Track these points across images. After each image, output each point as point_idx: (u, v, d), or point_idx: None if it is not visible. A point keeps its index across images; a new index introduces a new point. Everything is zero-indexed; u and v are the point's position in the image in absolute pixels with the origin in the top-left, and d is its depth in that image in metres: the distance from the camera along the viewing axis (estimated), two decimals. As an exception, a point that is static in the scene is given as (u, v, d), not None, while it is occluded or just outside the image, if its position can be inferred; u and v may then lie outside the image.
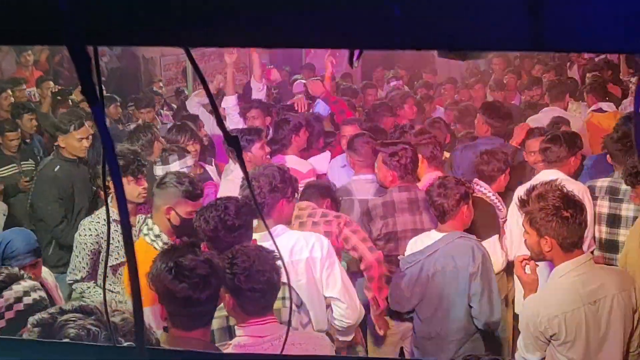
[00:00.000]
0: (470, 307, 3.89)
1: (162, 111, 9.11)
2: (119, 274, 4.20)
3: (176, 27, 0.69)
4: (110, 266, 4.16)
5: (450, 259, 3.89)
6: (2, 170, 6.32)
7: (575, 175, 5.03)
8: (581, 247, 3.17)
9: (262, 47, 0.73)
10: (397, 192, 4.43)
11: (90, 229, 4.24)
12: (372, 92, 9.23)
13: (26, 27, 0.66)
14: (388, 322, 4.30)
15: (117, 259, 4.18)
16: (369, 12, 0.70)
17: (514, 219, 4.44)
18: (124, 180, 4.12)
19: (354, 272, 4.25)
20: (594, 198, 4.54)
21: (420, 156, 4.76)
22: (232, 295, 2.73)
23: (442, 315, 3.96)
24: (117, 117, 8.28)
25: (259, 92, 7.76)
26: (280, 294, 2.90)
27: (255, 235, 3.42)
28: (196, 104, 7.13)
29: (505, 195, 4.91)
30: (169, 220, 3.68)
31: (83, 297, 4.19)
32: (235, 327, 2.85)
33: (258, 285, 2.69)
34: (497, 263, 4.36)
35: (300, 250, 3.53)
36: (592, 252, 4.34)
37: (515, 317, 4.14)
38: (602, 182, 4.62)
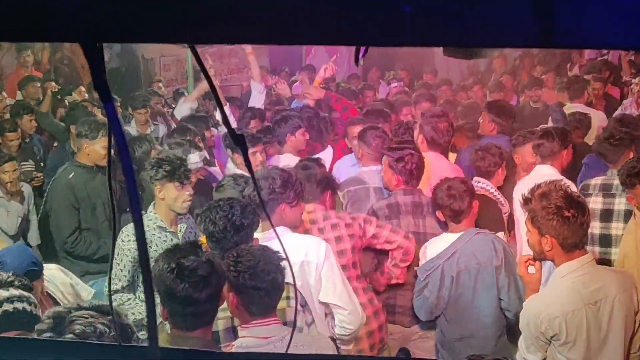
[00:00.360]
0: (500, 299, 3.93)
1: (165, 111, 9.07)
2: None
3: (181, 24, 0.70)
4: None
5: (472, 257, 3.92)
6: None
7: (571, 171, 5.18)
8: (582, 248, 3.16)
9: (268, 43, 0.73)
10: (401, 195, 4.45)
11: (132, 236, 4.09)
12: (370, 93, 9.28)
13: (39, 25, 0.66)
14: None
15: None
16: (377, 8, 0.70)
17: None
18: (170, 185, 4.13)
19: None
20: (588, 195, 4.61)
21: (421, 136, 4.88)
22: (236, 295, 2.73)
23: (472, 313, 3.97)
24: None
25: (260, 93, 7.77)
26: (284, 294, 2.90)
27: (256, 235, 3.42)
28: (187, 109, 7.14)
29: (503, 189, 4.99)
30: None
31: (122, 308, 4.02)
32: (239, 327, 2.85)
33: (262, 285, 2.70)
34: None
35: (296, 253, 3.50)
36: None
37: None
38: (596, 180, 4.70)
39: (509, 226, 4.86)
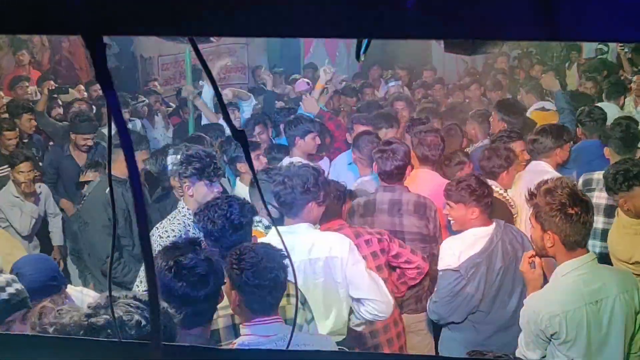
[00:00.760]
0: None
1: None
2: None
3: (183, 16, 0.69)
4: None
5: (511, 248, 3.90)
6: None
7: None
8: (585, 247, 3.15)
9: (270, 36, 0.72)
10: (381, 192, 4.44)
11: (169, 230, 3.99)
12: (369, 91, 9.29)
13: (40, 17, 0.66)
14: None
15: None
16: (379, 0, 0.70)
17: None
18: (200, 183, 4.04)
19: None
20: (592, 190, 4.62)
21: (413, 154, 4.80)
22: (238, 293, 2.73)
23: (506, 305, 3.94)
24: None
25: (249, 105, 7.86)
26: (285, 292, 2.90)
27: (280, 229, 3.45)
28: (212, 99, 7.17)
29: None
30: None
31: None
32: (240, 325, 2.84)
33: (265, 282, 2.69)
34: None
35: (320, 249, 3.53)
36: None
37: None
38: (599, 175, 4.69)
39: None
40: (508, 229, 4.03)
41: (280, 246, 2.81)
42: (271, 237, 3.54)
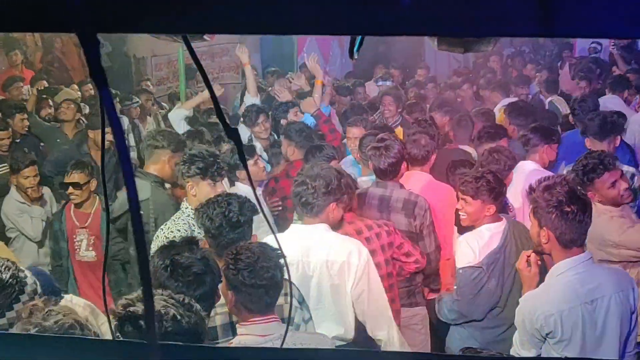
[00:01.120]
0: None
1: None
2: None
3: (177, 14, 0.69)
4: None
5: (525, 241, 3.87)
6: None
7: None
8: (581, 246, 3.14)
9: (261, 33, 0.72)
10: (373, 187, 4.46)
11: (175, 230, 3.93)
12: (360, 89, 9.31)
13: (35, 14, 0.66)
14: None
15: None
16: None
17: None
18: (203, 183, 4.01)
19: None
20: None
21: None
22: (235, 292, 2.71)
23: (512, 300, 3.90)
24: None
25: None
26: (283, 291, 2.89)
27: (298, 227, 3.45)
28: (182, 116, 7.10)
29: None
30: None
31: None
32: (237, 325, 2.83)
33: (261, 282, 2.67)
34: None
35: (338, 252, 3.51)
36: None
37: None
38: None
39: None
40: (516, 225, 4.08)
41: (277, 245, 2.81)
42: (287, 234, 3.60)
